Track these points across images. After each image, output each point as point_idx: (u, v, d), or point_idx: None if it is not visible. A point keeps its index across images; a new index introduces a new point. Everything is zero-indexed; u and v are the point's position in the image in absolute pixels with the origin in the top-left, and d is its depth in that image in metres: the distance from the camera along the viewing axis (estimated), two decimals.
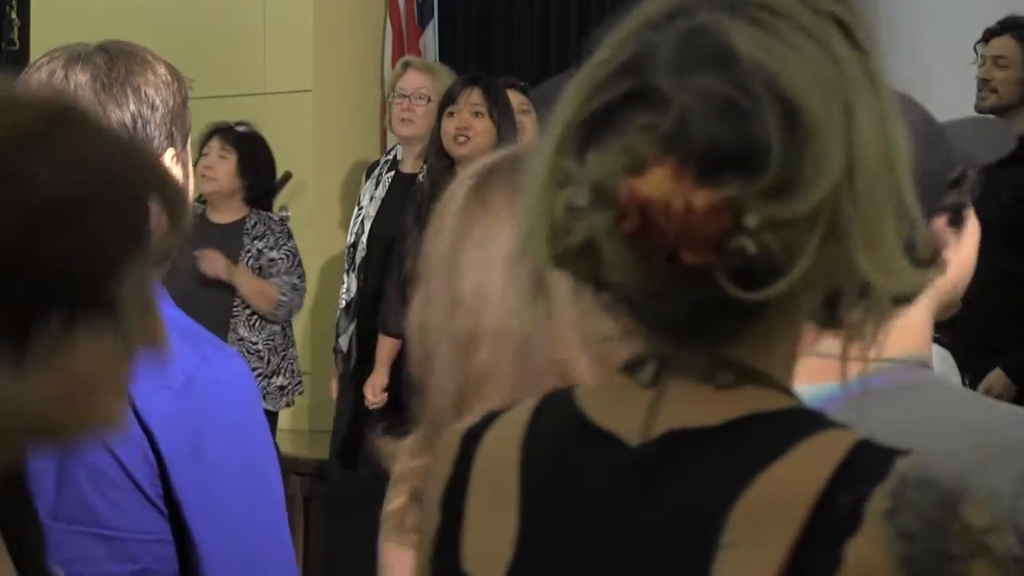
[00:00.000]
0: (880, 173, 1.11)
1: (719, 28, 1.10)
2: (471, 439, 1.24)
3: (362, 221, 5.51)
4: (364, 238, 5.47)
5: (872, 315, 1.14)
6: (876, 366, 1.66)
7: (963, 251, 1.71)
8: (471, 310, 1.58)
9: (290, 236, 5.78)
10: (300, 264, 5.73)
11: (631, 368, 1.16)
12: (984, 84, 5.02)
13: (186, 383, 1.87)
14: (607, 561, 1.13)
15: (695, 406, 1.13)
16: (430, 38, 6.81)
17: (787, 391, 1.14)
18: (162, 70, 2.01)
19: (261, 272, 5.65)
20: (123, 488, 1.83)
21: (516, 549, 1.17)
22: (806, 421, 1.12)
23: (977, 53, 5.13)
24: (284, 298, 5.62)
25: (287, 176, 6.59)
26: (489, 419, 1.25)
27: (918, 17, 5.76)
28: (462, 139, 4.93)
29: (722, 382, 1.12)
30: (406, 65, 5.70)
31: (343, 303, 5.52)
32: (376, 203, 5.50)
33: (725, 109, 1.07)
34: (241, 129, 5.76)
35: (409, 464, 1.65)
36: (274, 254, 5.64)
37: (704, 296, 1.08)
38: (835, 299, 1.14)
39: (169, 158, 2.03)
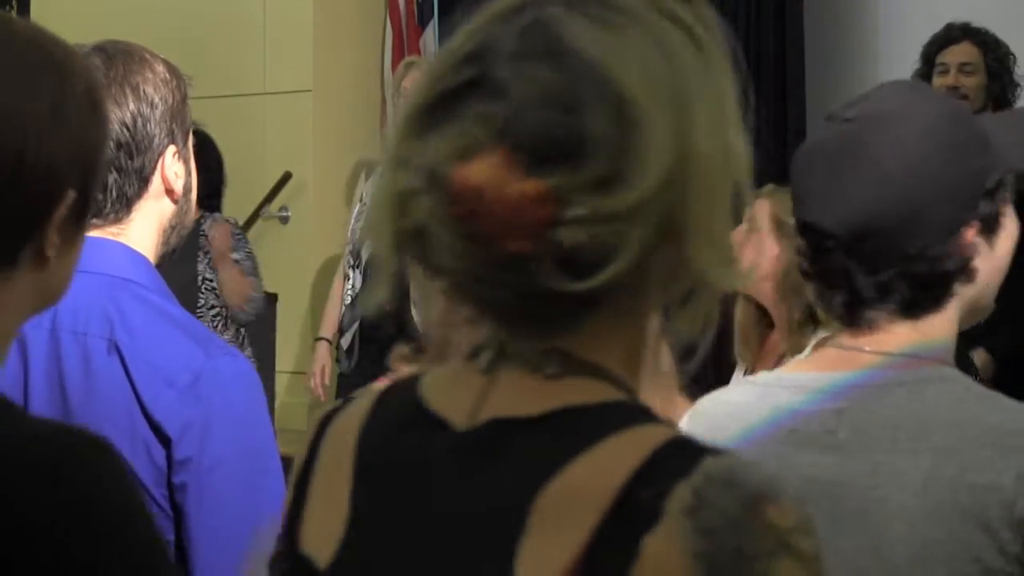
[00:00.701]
0: (717, 171, 1.12)
1: (555, 21, 1.12)
2: (325, 421, 1.27)
3: (364, 218, 5.51)
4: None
5: (700, 307, 1.15)
6: (889, 359, 1.68)
7: (995, 256, 1.71)
8: None
9: (246, 239, 5.74)
10: (258, 267, 5.67)
11: (472, 354, 1.19)
12: (954, 92, 5.04)
13: (191, 382, 1.87)
14: (420, 544, 1.15)
15: (520, 395, 1.15)
16: (430, 38, 6.81)
17: (618, 384, 1.15)
18: (160, 68, 2.01)
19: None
20: None
21: (345, 531, 1.20)
22: (622, 415, 1.13)
23: (926, 60, 5.15)
24: (256, 295, 5.60)
25: (287, 176, 6.59)
26: (346, 402, 1.28)
27: (918, 16, 5.76)
28: None
29: (549, 372, 1.14)
30: (409, 65, 5.70)
31: (348, 299, 5.51)
32: None
33: (555, 101, 1.09)
34: None
35: None
36: (236, 255, 5.59)
37: (526, 284, 1.10)
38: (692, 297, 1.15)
39: (170, 155, 2.03)
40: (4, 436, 1.29)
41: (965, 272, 1.68)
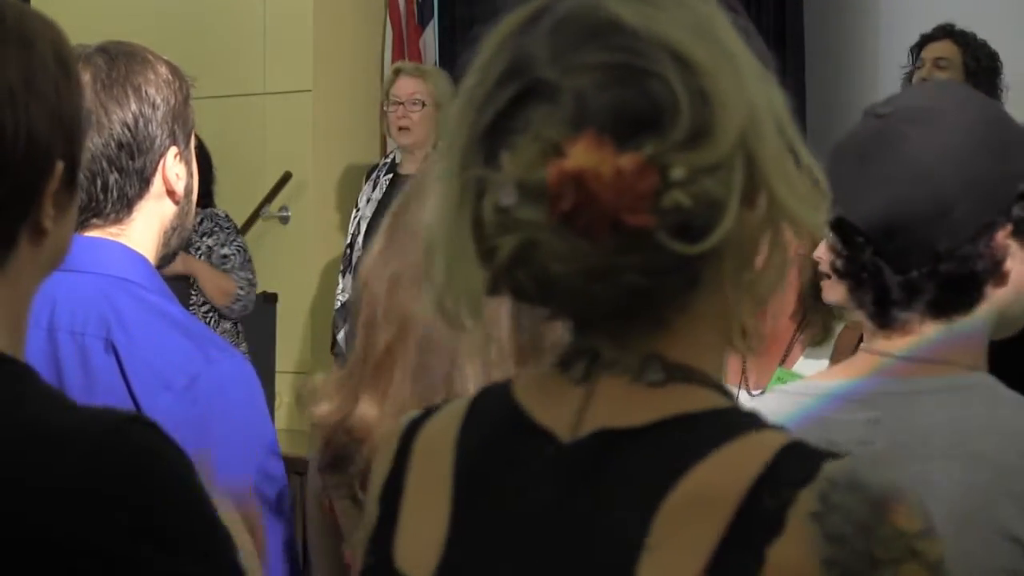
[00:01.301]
0: (773, 123, 1.13)
1: (589, 9, 1.12)
2: (410, 432, 1.24)
3: (359, 223, 5.51)
4: (360, 239, 5.47)
5: (779, 251, 1.14)
6: (920, 366, 1.66)
7: None
8: (373, 296, 1.77)
9: (238, 231, 5.71)
10: (251, 260, 5.66)
11: (564, 363, 1.16)
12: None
13: (189, 384, 1.87)
14: (533, 561, 1.12)
15: (624, 405, 1.13)
16: (430, 38, 6.80)
17: (717, 387, 1.14)
18: (163, 69, 2.01)
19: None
20: None
21: (446, 546, 1.17)
22: (734, 422, 1.12)
23: (912, 57, 5.19)
24: (242, 292, 5.58)
25: (287, 176, 6.59)
26: (429, 412, 1.25)
27: (918, 16, 5.76)
28: None
29: (652, 379, 1.12)
30: (397, 71, 5.71)
31: (339, 303, 5.52)
32: (373, 205, 5.51)
33: (620, 75, 1.09)
34: None
35: (323, 409, 1.79)
36: (226, 250, 5.57)
37: (648, 262, 1.08)
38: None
39: (172, 156, 2.02)
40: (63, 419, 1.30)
41: (996, 274, 1.66)
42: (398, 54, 6.71)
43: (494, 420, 1.19)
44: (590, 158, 1.06)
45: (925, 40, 5.21)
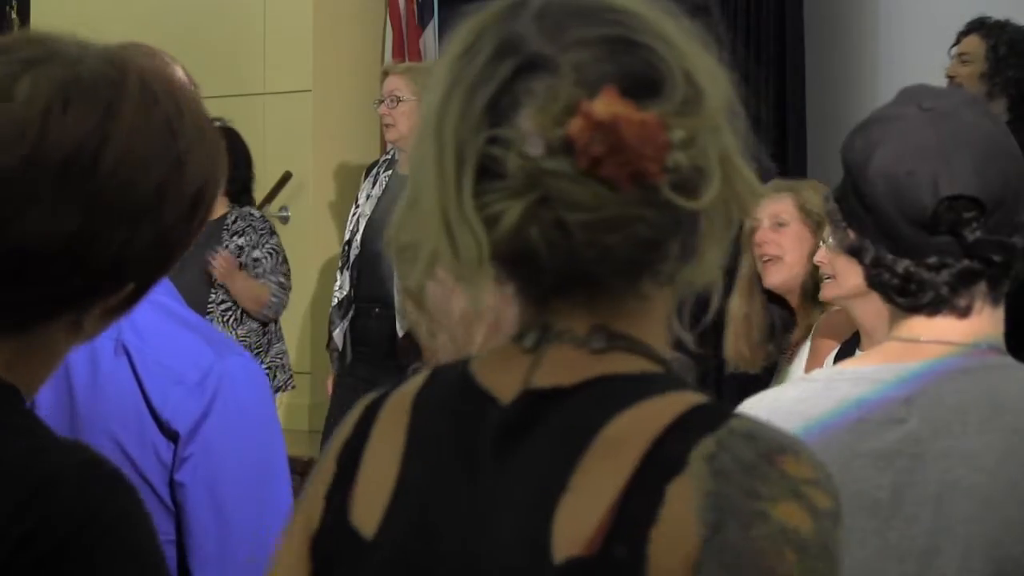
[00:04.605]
0: (730, 107, 1.19)
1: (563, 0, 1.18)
2: (375, 405, 1.30)
3: (358, 219, 5.51)
4: (359, 236, 5.47)
5: (721, 237, 1.20)
6: (952, 348, 1.70)
7: None
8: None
9: (272, 232, 5.72)
10: (284, 260, 5.67)
11: (518, 336, 1.23)
12: (950, 81, 5.11)
13: (200, 380, 1.87)
14: (464, 513, 1.20)
15: (562, 368, 1.19)
16: (430, 38, 6.81)
17: (655, 358, 1.21)
18: (179, 74, 2.01)
19: (242, 269, 5.62)
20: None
21: (391, 500, 1.23)
22: (659, 384, 1.19)
23: (950, 56, 5.22)
24: (275, 299, 5.60)
25: (287, 176, 6.59)
26: (396, 386, 1.31)
27: (918, 16, 5.76)
28: None
29: (594, 346, 1.19)
30: (385, 72, 5.73)
31: (335, 300, 5.51)
32: (373, 201, 5.51)
33: (617, 47, 1.16)
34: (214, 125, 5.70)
35: None
36: (257, 253, 5.59)
37: (657, 220, 1.14)
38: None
39: None
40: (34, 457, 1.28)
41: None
42: (398, 54, 6.71)
43: (447, 387, 1.26)
44: (618, 108, 1.12)
45: (959, 37, 5.25)
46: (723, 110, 1.18)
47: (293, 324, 6.47)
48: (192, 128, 1.35)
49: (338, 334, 5.49)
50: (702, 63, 1.18)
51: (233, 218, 5.59)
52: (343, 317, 5.48)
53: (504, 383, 1.22)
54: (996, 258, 1.69)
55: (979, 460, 1.64)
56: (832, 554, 1.13)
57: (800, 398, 1.76)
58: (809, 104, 6.09)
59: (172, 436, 1.85)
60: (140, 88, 1.31)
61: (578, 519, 1.13)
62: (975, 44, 5.19)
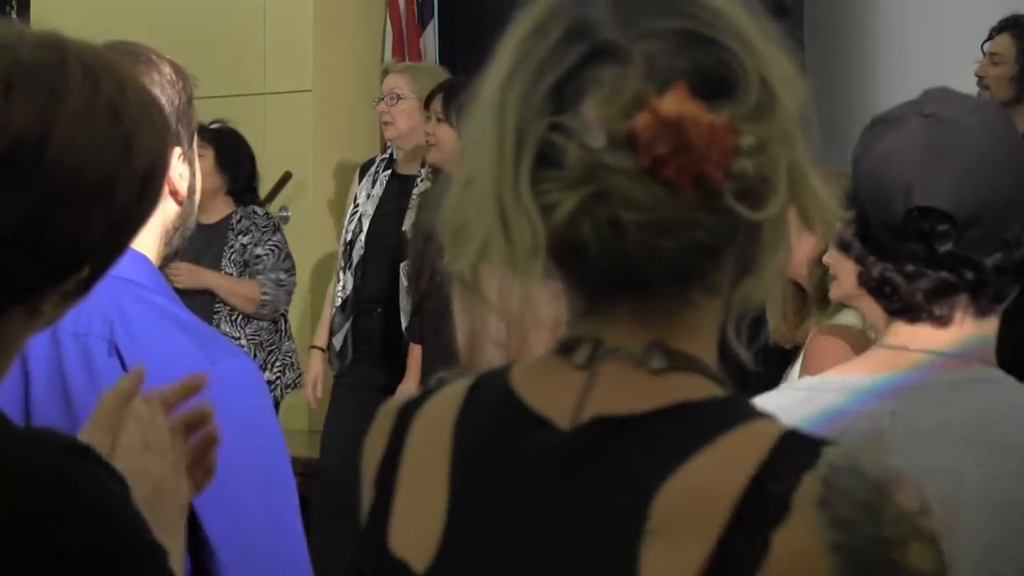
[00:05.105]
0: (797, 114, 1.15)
1: None
2: (405, 415, 1.23)
3: (359, 219, 5.50)
4: (362, 236, 5.46)
5: (777, 267, 1.16)
6: (937, 358, 1.69)
7: None
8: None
9: (276, 230, 5.72)
10: (288, 257, 5.67)
11: (566, 349, 1.16)
12: (979, 81, 5.05)
13: None
14: (531, 547, 1.12)
15: (626, 391, 1.13)
16: (430, 38, 6.80)
17: (716, 378, 1.15)
18: (167, 69, 2.00)
19: (247, 267, 5.62)
20: None
21: (445, 532, 1.16)
22: (734, 411, 1.13)
23: (984, 52, 5.15)
24: (267, 296, 5.59)
25: (287, 176, 6.58)
26: (425, 395, 1.24)
27: (918, 17, 5.75)
28: (432, 145, 5.04)
29: (654, 367, 1.13)
30: (386, 71, 5.74)
31: (339, 301, 5.50)
32: (374, 201, 5.50)
33: (692, 41, 1.10)
34: (215, 126, 5.72)
35: None
36: (259, 250, 5.59)
37: (715, 227, 1.09)
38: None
39: (175, 157, 2.02)
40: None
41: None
42: (398, 54, 6.71)
43: (492, 406, 1.19)
44: (687, 107, 1.07)
45: (992, 34, 5.16)
46: (796, 119, 1.13)
47: (293, 324, 6.46)
48: (137, 108, 1.33)
49: (339, 336, 5.48)
50: (778, 67, 1.12)
51: (238, 217, 5.61)
52: (346, 318, 5.47)
53: (558, 404, 1.14)
54: (968, 275, 1.67)
55: (965, 476, 1.62)
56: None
57: (786, 407, 1.75)
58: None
59: None
60: (82, 71, 1.29)
61: (671, 563, 1.07)
62: (1007, 44, 5.09)
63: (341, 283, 5.52)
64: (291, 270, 5.70)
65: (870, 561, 1.06)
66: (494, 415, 1.18)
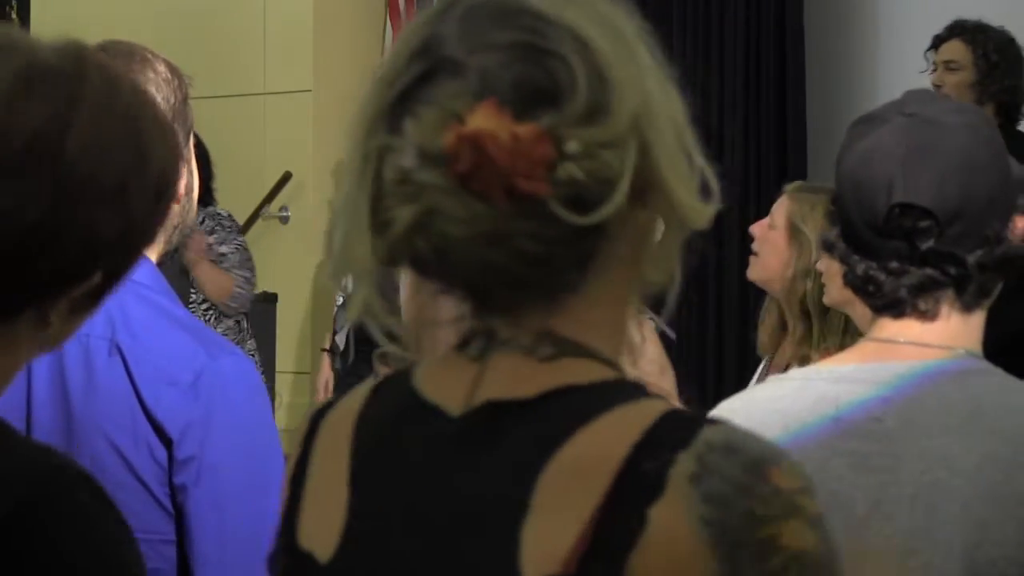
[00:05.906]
0: (669, 110, 1.17)
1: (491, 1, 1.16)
2: (317, 417, 1.28)
3: None
4: None
5: (670, 240, 1.18)
6: (929, 351, 1.71)
7: None
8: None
9: (239, 231, 5.75)
10: (250, 259, 5.69)
11: (462, 344, 1.20)
12: (936, 90, 4.98)
13: (193, 381, 1.87)
14: (424, 532, 1.16)
15: (516, 378, 1.16)
16: None
17: (608, 363, 1.18)
18: (161, 68, 2.01)
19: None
20: (130, 489, 1.83)
21: (346, 522, 1.21)
22: (617, 392, 1.15)
23: (928, 61, 5.12)
24: (240, 291, 5.61)
25: (287, 176, 6.59)
26: (337, 398, 1.29)
27: (918, 16, 5.76)
28: None
29: (543, 355, 1.16)
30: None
31: (341, 300, 5.52)
32: None
33: (523, 53, 1.13)
34: None
35: None
36: (224, 248, 5.60)
37: (543, 229, 1.11)
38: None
39: None
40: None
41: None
42: None
43: (391, 401, 1.23)
44: (488, 123, 1.10)
45: (936, 42, 5.12)
46: (657, 120, 1.15)
47: (293, 324, 6.47)
48: (153, 122, 1.34)
49: (340, 336, 5.50)
50: (626, 72, 1.14)
51: (201, 218, 5.59)
52: (348, 318, 5.48)
53: (452, 394, 1.18)
54: (951, 270, 1.69)
55: (958, 462, 1.64)
56: (834, 557, 1.12)
57: (776, 396, 1.77)
58: (810, 110, 6.09)
59: (166, 439, 1.85)
60: (100, 77, 1.31)
61: (549, 538, 1.10)
62: (961, 50, 5.04)
63: (343, 284, 5.53)
64: (254, 271, 5.69)
65: (740, 536, 1.07)
66: (393, 410, 1.23)
